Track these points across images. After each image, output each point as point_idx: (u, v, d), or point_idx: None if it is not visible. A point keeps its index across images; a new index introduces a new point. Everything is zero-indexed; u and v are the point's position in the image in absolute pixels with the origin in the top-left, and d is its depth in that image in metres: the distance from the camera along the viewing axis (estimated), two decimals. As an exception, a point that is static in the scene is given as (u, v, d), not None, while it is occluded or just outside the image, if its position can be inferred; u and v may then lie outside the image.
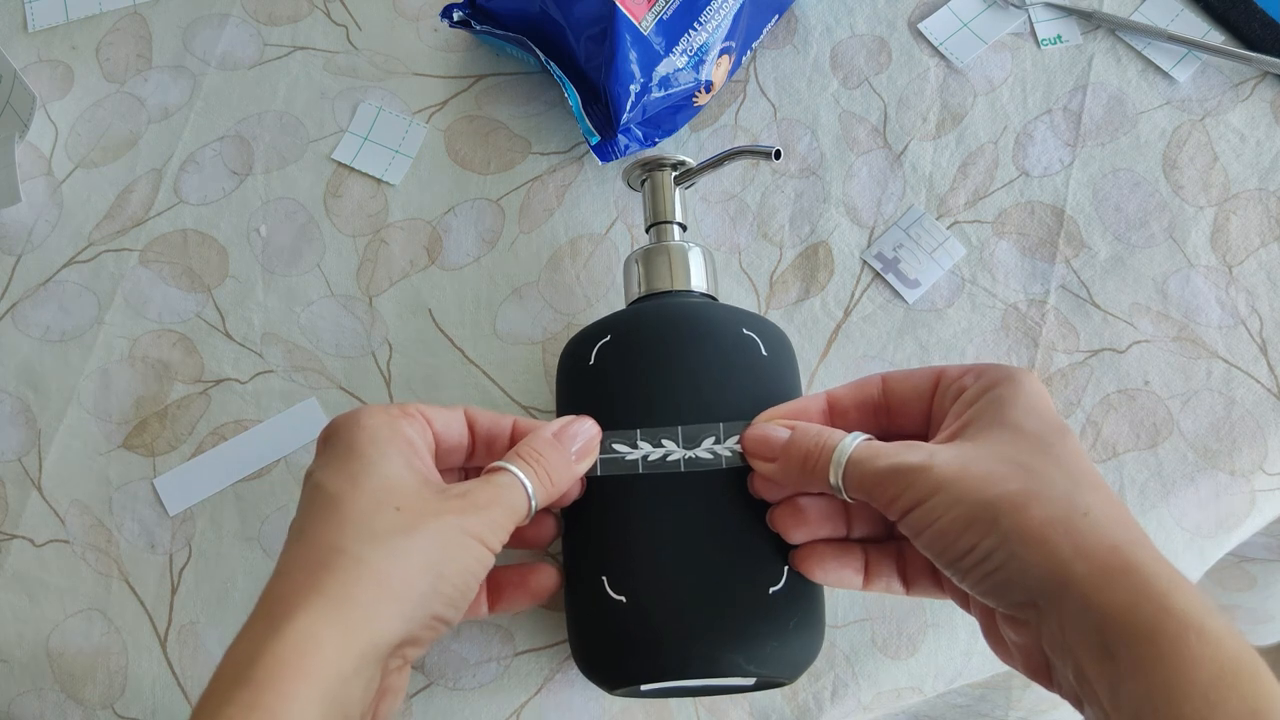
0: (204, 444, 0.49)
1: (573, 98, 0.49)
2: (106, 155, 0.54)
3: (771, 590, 0.38)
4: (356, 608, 0.31)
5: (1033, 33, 0.55)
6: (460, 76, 0.56)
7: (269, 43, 0.57)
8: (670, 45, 0.50)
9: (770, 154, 0.44)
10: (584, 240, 0.52)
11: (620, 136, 0.50)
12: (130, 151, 0.54)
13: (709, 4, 0.50)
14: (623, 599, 0.38)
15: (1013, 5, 0.56)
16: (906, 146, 0.53)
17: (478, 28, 0.52)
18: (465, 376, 0.50)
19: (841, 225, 0.52)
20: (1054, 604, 0.30)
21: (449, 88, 0.55)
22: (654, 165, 0.47)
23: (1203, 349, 0.49)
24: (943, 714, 0.50)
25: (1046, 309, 0.50)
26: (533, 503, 0.37)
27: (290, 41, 0.57)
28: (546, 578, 0.41)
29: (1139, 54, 0.54)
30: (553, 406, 0.46)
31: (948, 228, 0.51)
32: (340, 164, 0.54)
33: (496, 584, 0.41)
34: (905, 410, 0.38)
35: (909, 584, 0.39)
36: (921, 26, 0.56)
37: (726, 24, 0.51)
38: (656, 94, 0.50)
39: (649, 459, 0.39)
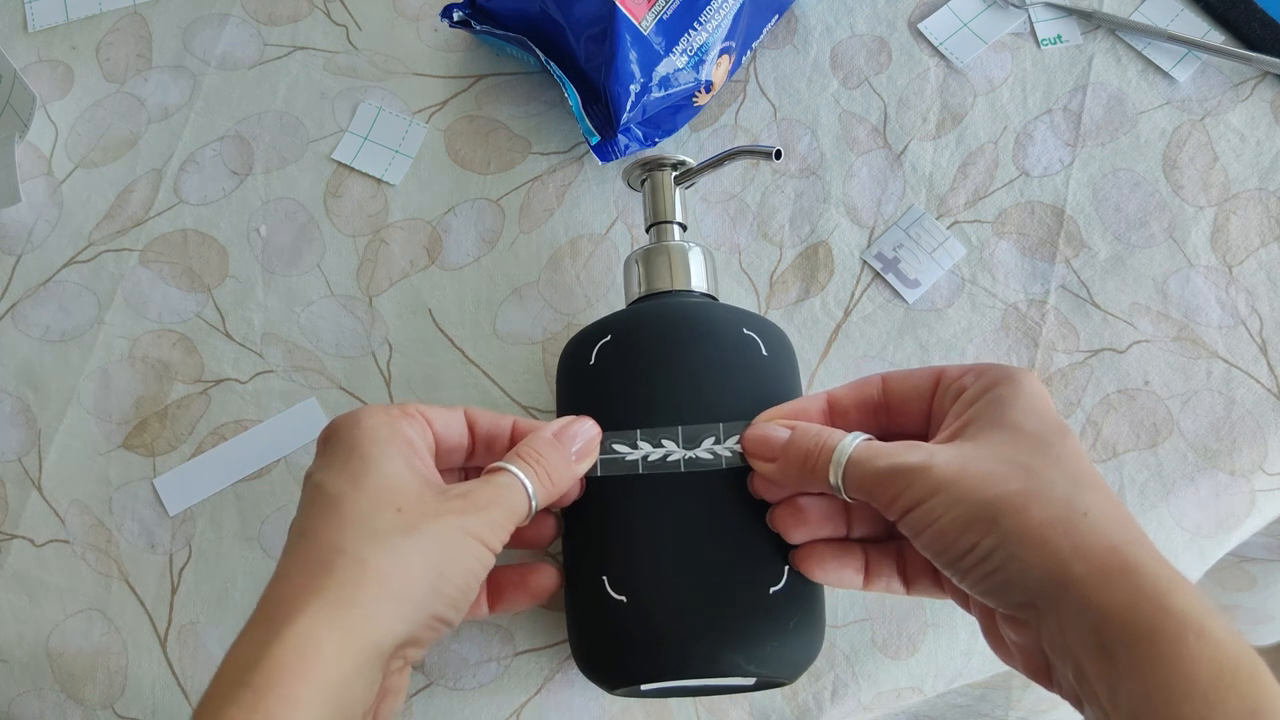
0: (204, 444, 0.49)
1: (573, 98, 0.49)
2: (106, 155, 0.54)
3: (772, 590, 0.38)
4: (357, 609, 0.31)
5: (1033, 33, 0.55)
6: (460, 76, 0.56)
7: (269, 43, 0.57)
8: (670, 45, 0.50)
9: (770, 154, 0.44)
10: (584, 240, 0.52)
11: (620, 136, 0.50)
12: (130, 151, 0.54)
13: (709, 4, 0.50)
14: (623, 599, 0.38)
15: (1013, 5, 0.56)
16: (906, 146, 0.53)
17: (478, 28, 0.52)
18: (465, 376, 0.50)
19: (841, 225, 0.52)
20: (1053, 604, 0.30)
21: (449, 88, 0.55)
22: (654, 165, 0.47)
23: (1203, 349, 0.49)
24: (943, 714, 0.50)
25: (1046, 309, 0.50)
26: (533, 503, 0.37)
27: (290, 41, 0.57)
28: (547, 578, 0.41)
29: (1139, 54, 0.54)
30: (553, 406, 0.46)
31: (948, 228, 0.51)
32: (340, 164, 0.54)
33: (497, 584, 0.41)
34: (905, 410, 0.39)
35: (909, 584, 0.39)
36: (921, 26, 0.56)
37: (726, 24, 0.51)
38: (656, 94, 0.50)
39: (649, 459, 0.39)
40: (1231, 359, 0.48)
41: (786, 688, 0.44)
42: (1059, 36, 0.55)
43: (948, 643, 0.45)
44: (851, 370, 0.49)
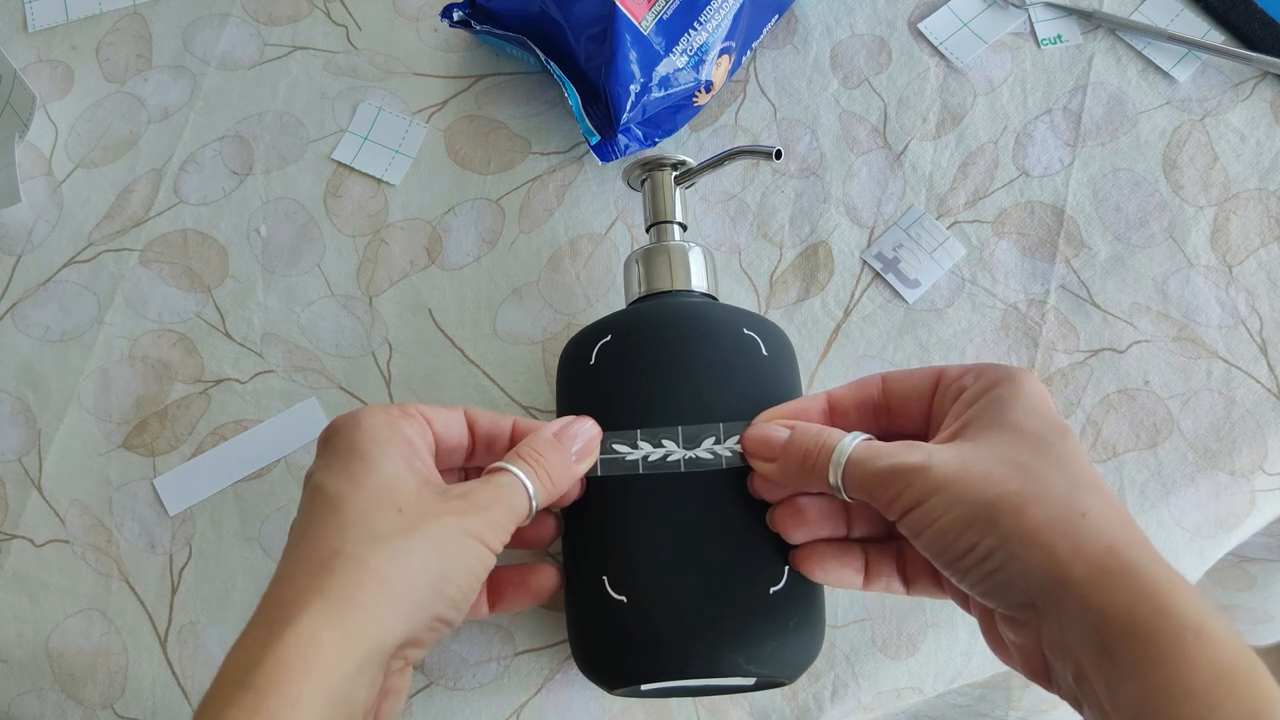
0: (204, 444, 0.49)
1: (573, 98, 0.49)
2: (106, 155, 0.54)
3: (772, 590, 0.38)
4: (358, 609, 0.31)
5: (1033, 32, 0.55)
6: (460, 76, 0.56)
7: (269, 43, 0.57)
8: (670, 45, 0.50)
9: (770, 154, 0.44)
10: (584, 240, 0.52)
11: (620, 136, 0.50)
12: (130, 151, 0.54)
13: (709, 4, 0.50)
14: (623, 599, 0.38)
15: (1013, 5, 0.56)
16: (906, 146, 0.53)
17: (478, 28, 0.52)
18: (465, 376, 0.50)
19: (841, 225, 0.52)
20: (1052, 605, 0.30)
21: (449, 88, 0.55)
22: (654, 165, 0.47)
23: (1203, 349, 0.49)
24: (943, 714, 0.50)
25: (1046, 309, 0.50)
26: (533, 503, 0.37)
27: (290, 41, 0.57)
28: (547, 578, 0.41)
29: (1139, 54, 0.54)
30: (553, 406, 0.46)
31: (948, 228, 0.51)
32: (340, 164, 0.54)
33: (497, 584, 0.41)
34: (905, 410, 0.39)
35: (909, 584, 0.39)
36: (921, 26, 0.56)
37: (726, 24, 0.51)
38: (656, 94, 0.50)
39: (649, 459, 0.39)
40: (1231, 359, 0.48)
41: (786, 688, 0.44)
42: (1059, 36, 0.55)
43: (948, 643, 0.45)
44: (851, 370, 0.49)
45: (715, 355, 0.41)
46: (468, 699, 0.44)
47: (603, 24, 0.49)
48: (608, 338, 0.42)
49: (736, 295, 0.51)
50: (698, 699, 0.44)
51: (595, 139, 0.50)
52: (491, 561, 0.35)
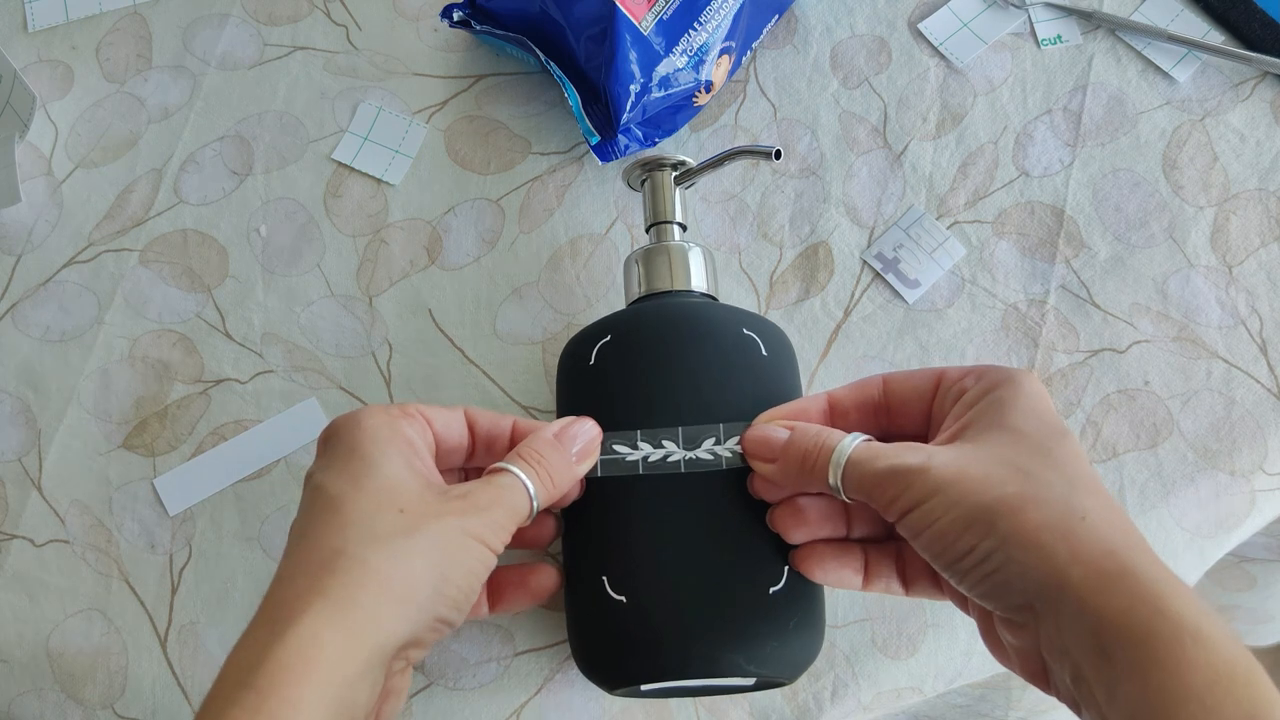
0: (204, 444, 0.49)
1: (573, 98, 0.49)
2: (106, 155, 0.54)
3: (772, 590, 0.38)
4: (360, 610, 0.31)
5: (1033, 33, 0.55)
6: (460, 76, 0.56)
7: (269, 43, 0.57)
8: (670, 45, 0.50)
9: (770, 154, 0.44)
10: (584, 240, 0.52)
11: (620, 136, 0.50)
12: (130, 151, 0.54)
13: (709, 4, 0.50)
14: (623, 599, 0.38)
15: (1013, 5, 0.56)
16: (906, 146, 0.53)
17: (478, 28, 0.52)
18: (465, 376, 0.50)
19: (841, 225, 0.52)
20: (1051, 607, 0.30)
21: (449, 88, 0.55)
22: (654, 165, 0.47)
23: (1203, 349, 0.49)
24: (943, 714, 0.50)
25: (1046, 309, 0.50)
26: (534, 504, 0.37)
27: (290, 41, 0.57)
28: (546, 578, 0.41)
29: (1139, 54, 0.54)
30: (553, 406, 0.46)
31: (948, 228, 0.51)
32: (340, 164, 0.54)
33: (497, 584, 0.41)
34: (906, 411, 0.39)
35: (908, 585, 0.39)
36: (921, 26, 0.56)
37: (726, 24, 0.51)
38: (656, 94, 0.50)
39: (649, 460, 0.39)
40: (1231, 359, 0.48)
41: (786, 688, 0.44)
42: (1059, 36, 0.55)
43: (948, 643, 0.45)
44: (851, 370, 0.49)
45: (715, 355, 0.41)
46: (468, 699, 0.44)
47: (603, 24, 0.49)
48: (607, 338, 0.42)
49: (736, 295, 0.51)
50: (698, 699, 0.44)
51: (595, 139, 0.50)
52: (493, 562, 0.35)
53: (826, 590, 0.42)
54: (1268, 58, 0.53)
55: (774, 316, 0.50)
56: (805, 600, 0.39)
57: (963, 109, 0.54)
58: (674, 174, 0.47)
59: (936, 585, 0.38)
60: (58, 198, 0.54)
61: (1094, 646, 0.29)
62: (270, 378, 0.50)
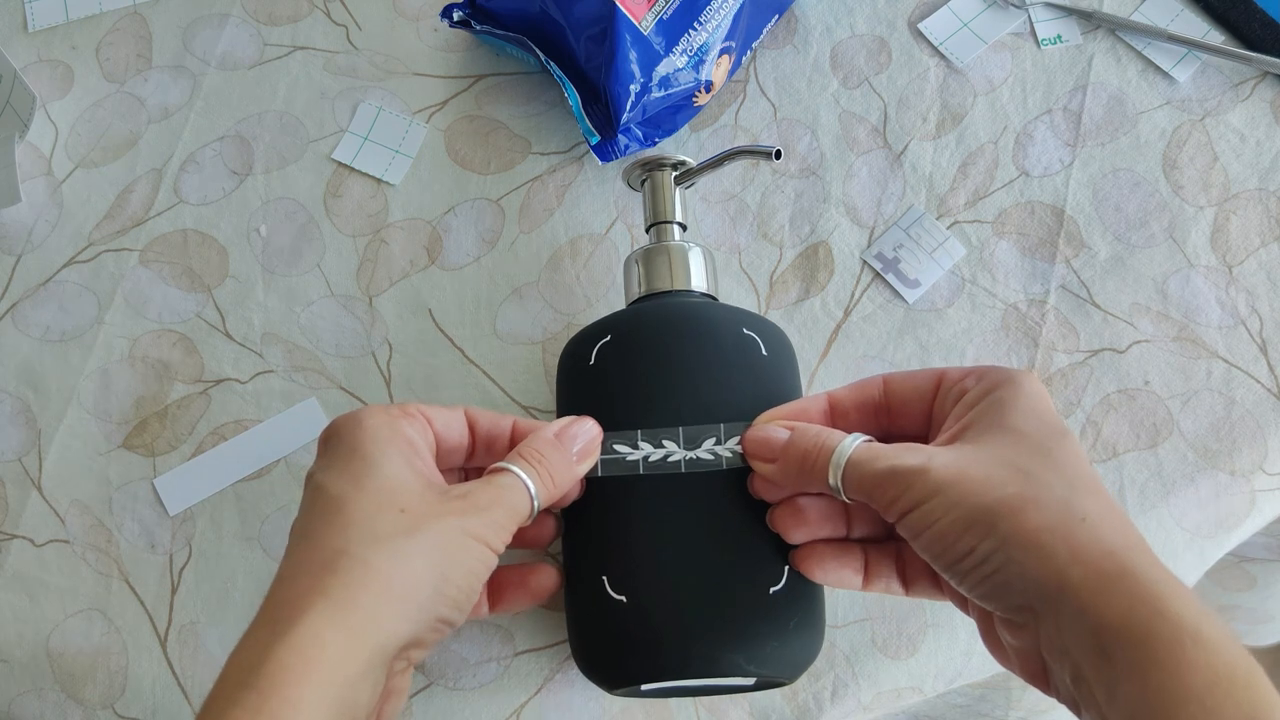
0: (204, 444, 0.49)
1: (573, 98, 0.49)
2: (106, 155, 0.54)
3: (772, 590, 0.38)
4: (361, 611, 0.31)
5: (1033, 33, 0.55)
6: (460, 76, 0.56)
7: (269, 43, 0.57)
8: (670, 45, 0.50)
9: (770, 154, 0.44)
10: (584, 240, 0.52)
11: (620, 136, 0.50)
12: (130, 151, 0.54)
13: (709, 4, 0.50)
14: (623, 599, 0.38)
15: (1013, 5, 0.56)
16: (906, 146, 0.53)
17: (478, 28, 0.52)
18: (465, 376, 0.50)
19: (841, 225, 0.52)
20: (1050, 608, 0.30)
21: (449, 88, 0.55)
22: (654, 165, 0.47)
23: (1203, 349, 0.49)
24: (943, 714, 0.50)
25: (1046, 309, 0.50)
26: (535, 503, 0.37)
27: (290, 41, 0.57)
28: (547, 578, 0.41)
29: (1139, 54, 0.54)
30: (553, 406, 0.46)
31: (948, 228, 0.51)
32: (340, 164, 0.54)
33: (497, 584, 0.41)
34: (906, 412, 0.39)
35: (908, 585, 0.39)
36: (921, 26, 0.56)
37: (726, 24, 0.51)
38: (656, 94, 0.50)
39: (650, 460, 0.39)
40: (1231, 359, 0.48)
41: (786, 688, 0.44)
42: (1059, 36, 0.55)
43: (948, 643, 0.45)
44: (851, 370, 0.49)
45: (715, 355, 0.41)
46: (468, 699, 0.44)
47: (603, 24, 0.49)
48: (608, 338, 0.42)
49: (736, 295, 0.51)
50: (698, 699, 0.44)
51: (595, 139, 0.50)
52: (493, 562, 0.35)
53: (826, 590, 0.42)
54: (1268, 58, 0.53)
55: (774, 316, 0.50)
56: (805, 600, 0.39)
57: (963, 109, 0.54)
58: (674, 174, 0.47)
59: (937, 586, 0.38)
60: (58, 198, 0.54)
61: (1094, 647, 0.29)
62: (270, 378, 0.50)
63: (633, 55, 0.49)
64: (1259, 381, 0.48)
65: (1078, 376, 0.48)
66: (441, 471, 0.38)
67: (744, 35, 0.52)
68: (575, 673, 0.43)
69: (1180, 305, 0.49)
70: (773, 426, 0.38)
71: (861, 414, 0.39)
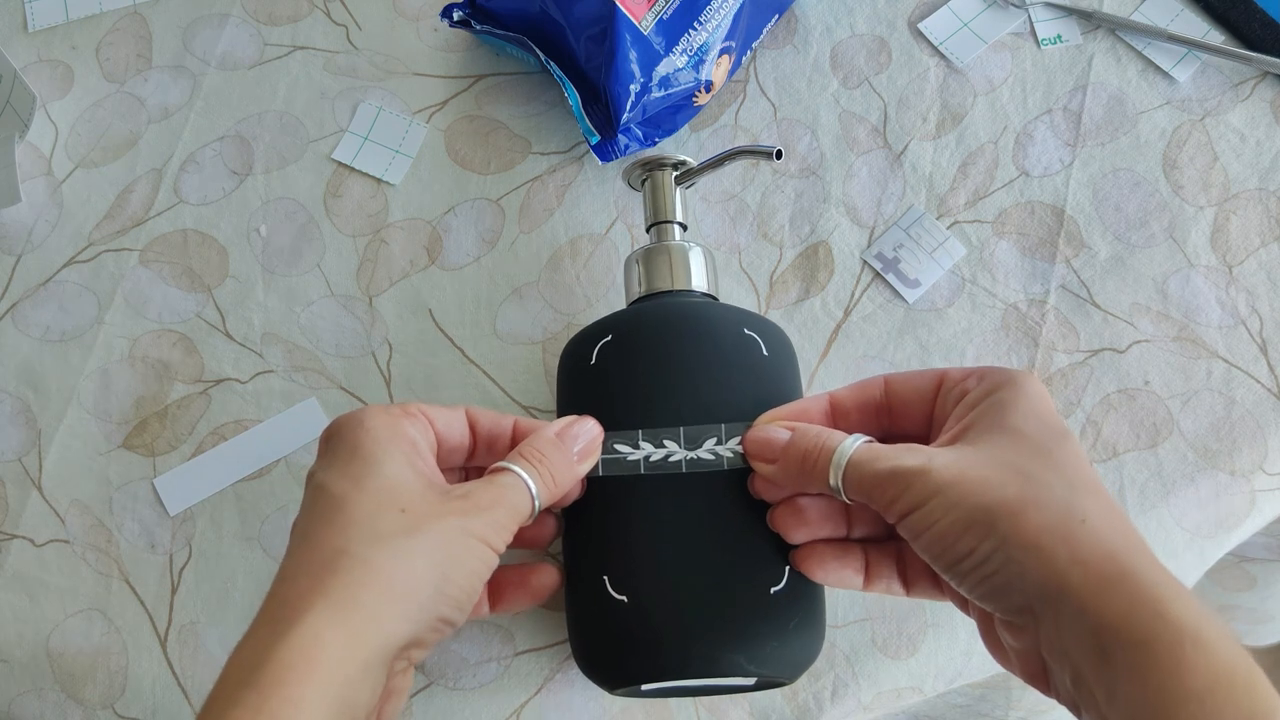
0: (204, 444, 0.49)
1: (573, 98, 0.49)
2: (106, 155, 0.54)
3: (772, 590, 0.38)
4: (362, 610, 0.31)
5: (1033, 33, 0.55)
6: (460, 76, 0.56)
7: (269, 43, 0.57)
8: (670, 45, 0.50)
9: (771, 154, 0.44)
10: (584, 240, 0.52)
11: (620, 136, 0.50)
12: (130, 151, 0.54)
13: (709, 4, 0.50)
14: (624, 599, 0.38)
15: (1013, 5, 0.56)
16: (906, 146, 0.53)
17: (478, 28, 0.52)
18: (465, 376, 0.50)
19: (841, 225, 0.52)
20: (1050, 610, 0.30)
21: (449, 88, 0.55)
22: (654, 165, 0.47)
23: (1203, 349, 0.49)
24: (943, 714, 0.50)
25: (1046, 309, 0.50)
26: (536, 503, 0.37)
27: (290, 41, 0.57)
28: (547, 577, 0.41)
29: (1139, 54, 0.54)
30: (553, 406, 0.46)
31: (948, 228, 0.51)
32: (340, 164, 0.54)
33: (497, 584, 0.41)
34: (907, 412, 0.39)
35: (909, 585, 0.39)
36: (921, 26, 0.56)
37: (726, 24, 0.51)
38: (656, 94, 0.50)
39: (651, 459, 0.39)
40: (1231, 359, 0.48)
41: (786, 688, 0.44)
42: (1059, 36, 0.55)
43: (948, 643, 0.45)
44: (852, 370, 0.49)
45: (715, 355, 0.41)
46: (468, 699, 0.44)
47: (603, 24, 0.49)
48: (608, 338, 0.42)
49: (736, 295, 0.51)
50: (698, 699, 0.44)
51: (595, 139, 0.50)
52: (494, 562, 0.35)
53: (827, 590, 0.42)
54: (1268, 58, 0.53)
55: (774, 316, 0.50)
56: (806, 600, 0.39)
57: (963, 109, 0.54)
58: (674, 174, 0.47)
59: (937, 586, 0.38)
60: (58, 198, 0.54)
61: (1094, 648, 0.29)
62: (270, 378, 0.50)
63: (633, 55, 0.49)
64: (1259, 381, 0.48)
65: (1078, 376, 0.48)
66: (442, 471, 0.38)
67: (744, 35, 0.52)
68: (575, 673, 0.43)
69: (1180, 305, 0.49)
70: (773, 427, 0.38)
71: (862, 414, 0.39)
